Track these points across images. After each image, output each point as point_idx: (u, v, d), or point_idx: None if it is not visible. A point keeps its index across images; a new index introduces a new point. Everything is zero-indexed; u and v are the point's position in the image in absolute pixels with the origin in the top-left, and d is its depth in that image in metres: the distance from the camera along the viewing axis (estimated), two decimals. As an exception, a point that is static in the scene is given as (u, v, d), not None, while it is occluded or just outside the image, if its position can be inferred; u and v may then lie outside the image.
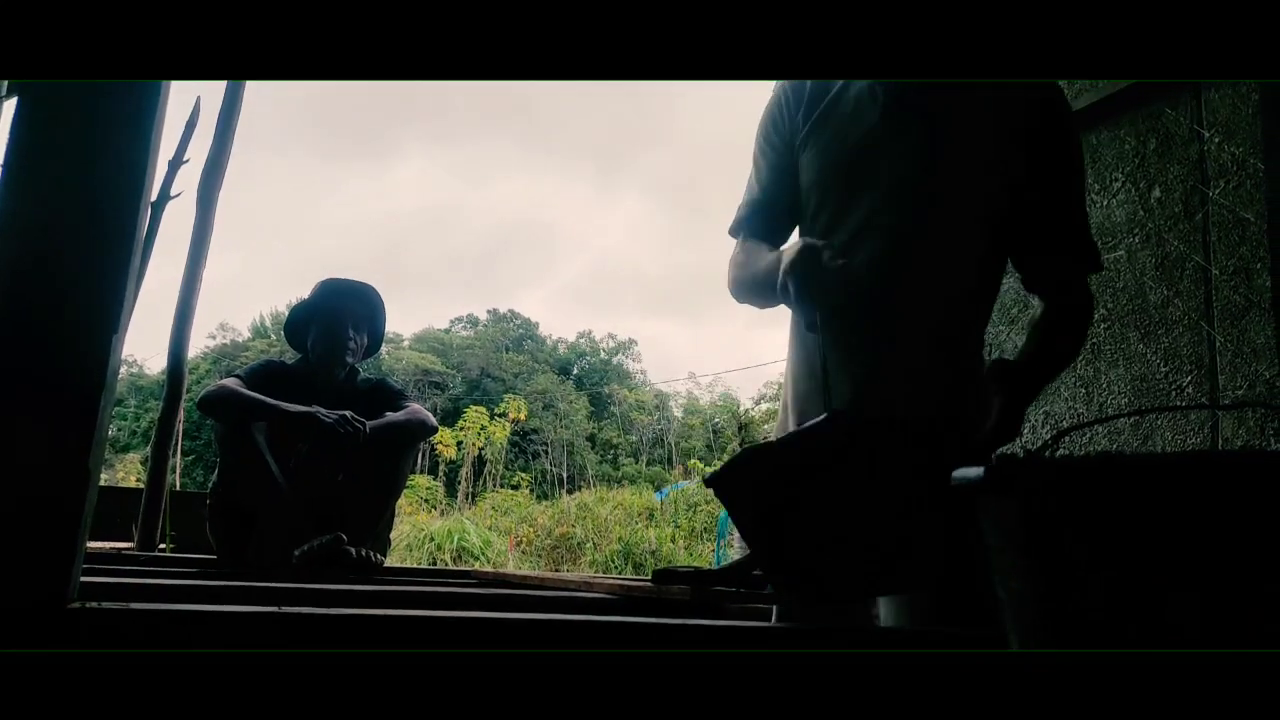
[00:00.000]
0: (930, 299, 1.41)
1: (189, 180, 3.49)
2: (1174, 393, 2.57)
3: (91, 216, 0.93)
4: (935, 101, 1.44)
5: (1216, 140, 2.54)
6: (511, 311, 43.69)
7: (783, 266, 1.28)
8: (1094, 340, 2.82)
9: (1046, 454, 0.87)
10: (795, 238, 1.52)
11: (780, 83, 1.60)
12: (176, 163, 3.22)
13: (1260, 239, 2.35)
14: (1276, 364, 1.97)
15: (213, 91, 3.33)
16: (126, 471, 18.99)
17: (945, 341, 1.43)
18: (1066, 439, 2.73)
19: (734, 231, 1.63)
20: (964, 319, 1.47)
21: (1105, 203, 2.82)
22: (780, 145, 1.56)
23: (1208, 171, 2.56)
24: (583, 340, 43.39)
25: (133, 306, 1.34)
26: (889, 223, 1.41)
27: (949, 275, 1.42)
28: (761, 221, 1.59)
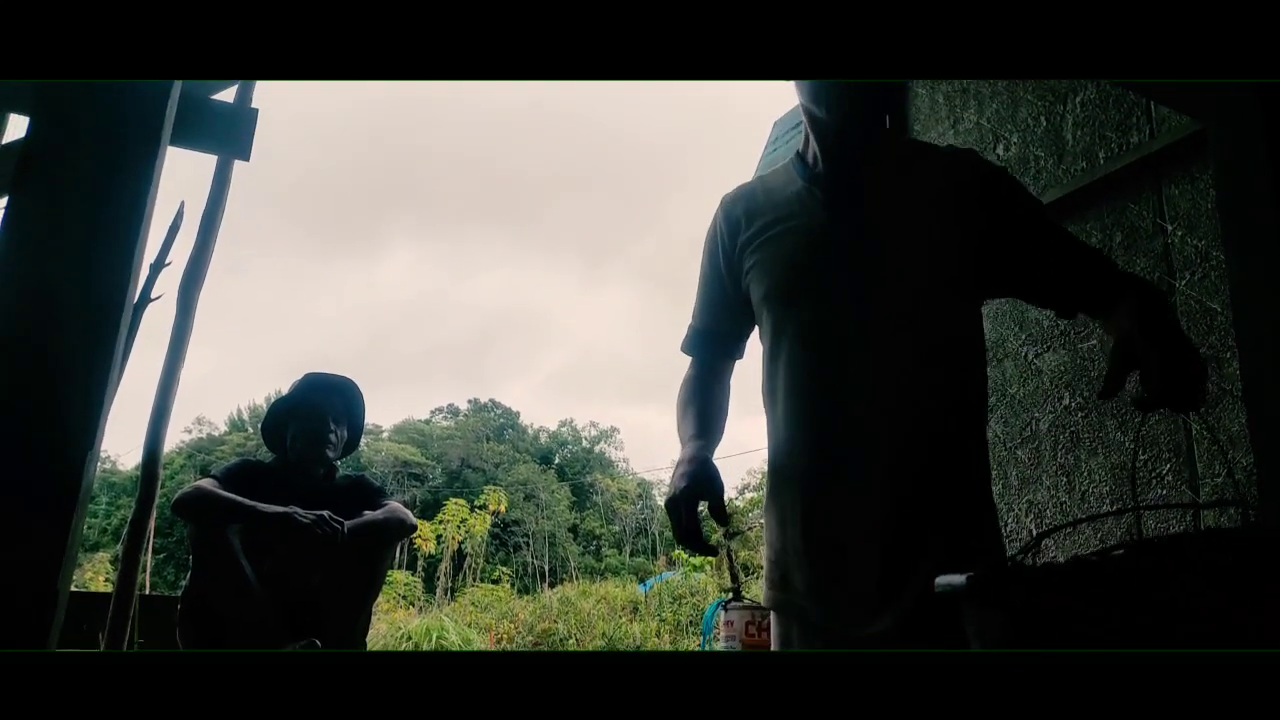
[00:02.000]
0: (912, 396, 1.35)
1: (170, 282, 3.51)
2: (1154, 480, 2.58)
3: (72, 330, 0.93)
4: (872, 184, 1.43)
5: (1179, 234, 2.61)
6: (492, 401, 43.56)
7: (668, 493, 1.37)
8: (1072, 429, 2.84)
9: (1028, 558, 0.86)
10: (690, 450, 1.44)
11: (717, 209, 1.61)
12: (158, 266, 3.24)
13: (1227, 328, 2.40)
14: (1251, 452, 1.99)
15: (197, 194, 3.37)
16: (95, 571, 18.46)
17: (936, 438, 1.35)
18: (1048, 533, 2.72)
19: (684, 349, 1.66)
20: (956, 411, 1.38)
21: (1075, 294, 2.87)
22: (716, 277, 1.58)
23: (1173, 263, 2.63)
24: (564, 429, 43.19)
25: (109, 412, 1.33)
26: (854, 325, 1.38)
27: (929, 370, 1.36)
28: (704, 346, 1.64)
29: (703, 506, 1.33)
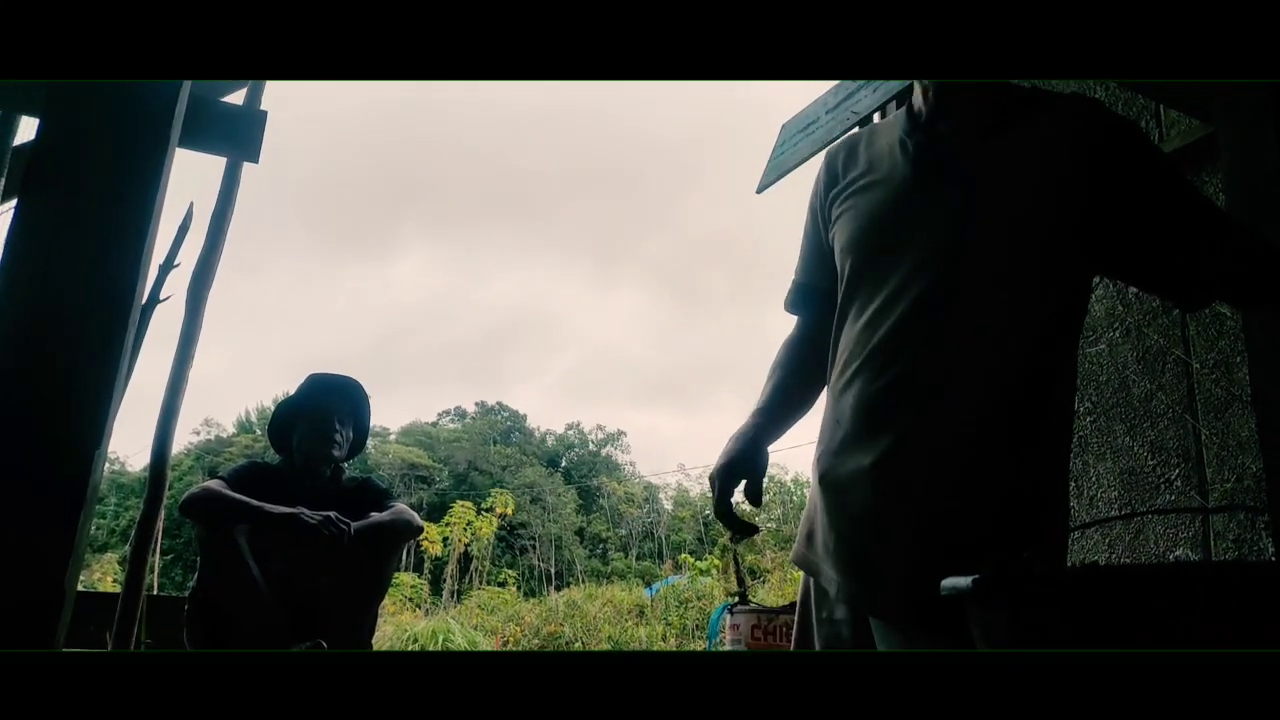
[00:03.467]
0: (967, 372, 1.22)
1: (179, 283, 3.52)
2: (1162, 486, 2.57)
3: (80, 331, 0.94)
4: (969, 147, 1.32)
5: (1188, 237, 2.60)
6: (500, 404, 43.62)
7: (713, 468, 1.38)
8: (1081, 434, 2.83)
9: (1033, 560, 0.86)
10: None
11: (823, 155, 1.56)
12: (167, 266, 3.26)
13: (1238, 333, 2.39)
14: (1261, 457, 1.98)
15: (207, 194, 3.39)
16: (103, 572, 18.53)
17: (986, 421, 1.20)
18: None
19: (785, 307, 1.59)
20: (1013, 395, 1.22)
21: (1084, 298, 2.87)
22: (814, 229, 1.52)
23: (1182, 267, 2.62)
24: (571, 432, 43.21)
25: (116, 413, 1.33)
26: (919, 290, 1.27)
27: (991, 347, 1.23)
28: (803, 303, 1.55)
29: (739, 494, 1.33)
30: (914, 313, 1.26)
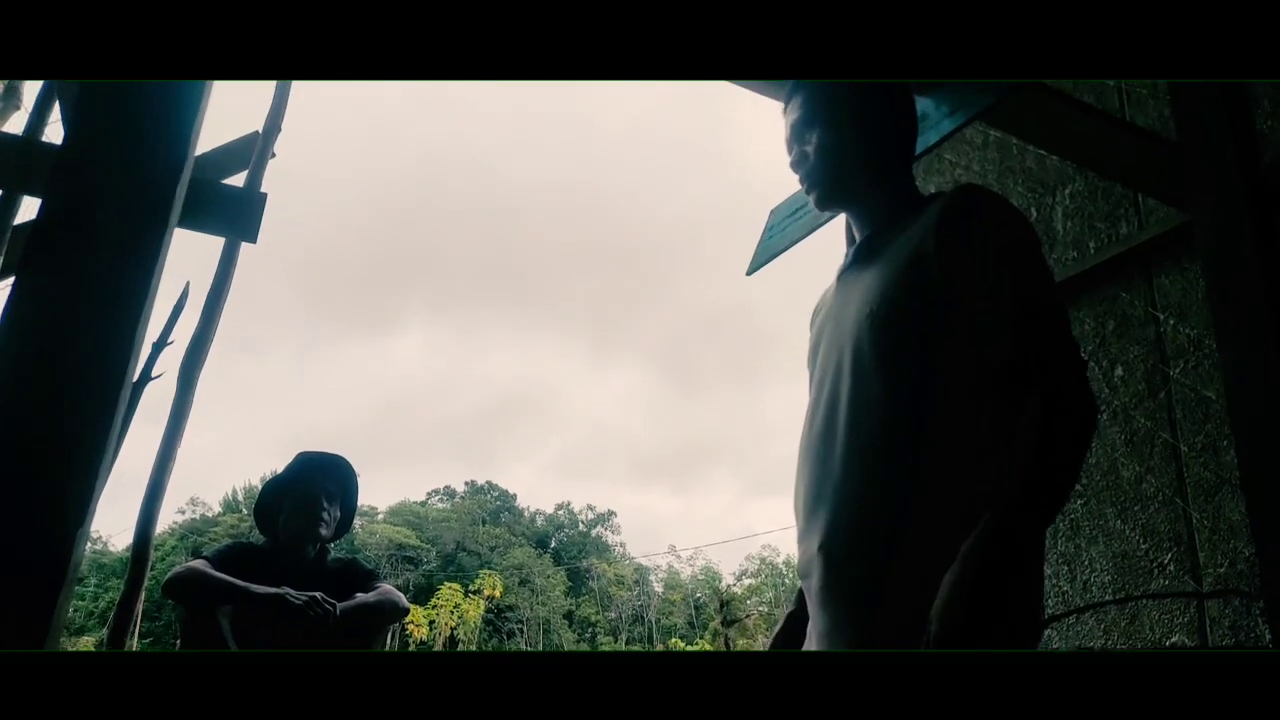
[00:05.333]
0: (852, 471, 1.25)
1: (173, 360, 3.53)
2: (1155, 570, 2.55)
3: (70, 409, 0.94)
4: (863, 254, 1.38)
5: (1171, 322, 2.64)
6: (490, 483, 43.21)
7: None
8: (1072, 517, 2.82)
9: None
10: None
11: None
12: (161, 344, 3.26)
13: (1223, 416, 2.41)
14: (1253, 542, 1.97)
15: (204, 272, 3.42)
16: (79, 655, 18.01)
17: (870, 516, 1.22)
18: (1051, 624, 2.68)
19: None
20: (895, 492, 1.21)
21: (1071, 380, 2.89)
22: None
23: (1166, 351, 2.65)
24: (561, 512, 42.73)
25: (102, 491, 1.32)
26: (813, 414, 1.36)
27: (845, 464, 1.26)
28: None
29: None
30: (816, 428, 1.33)
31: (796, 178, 1.47)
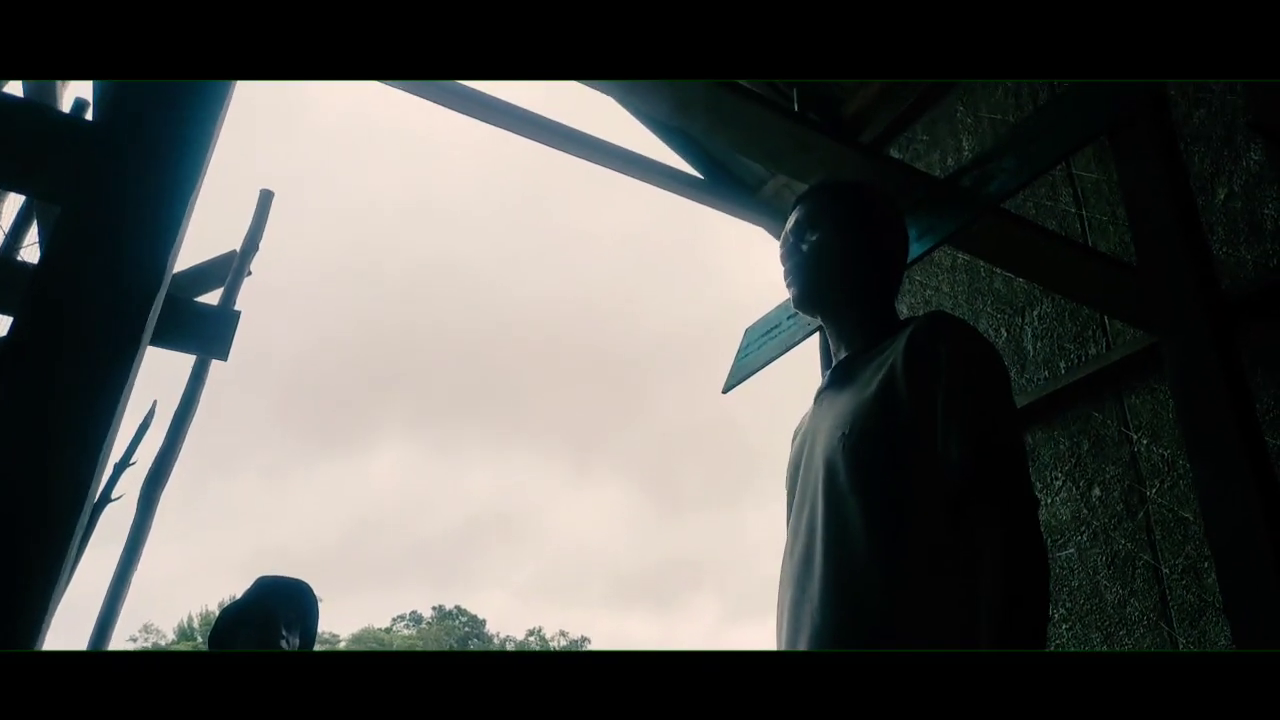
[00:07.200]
0: (832, 598, 1.23)
1: (134, 481, 3.43)
2: (1146, 698, 2.48)
3: (25, 532, 0.90)
4: (850, 374, 1.37)
5: (1145, 442, 2.66)
6: (458, 608, 41.93)
7: None
8: (1057, 642, 2.76)
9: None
10: None
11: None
12: (123, 465, 3.18)
13: (1201, 538, 2.40)
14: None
15: (171, 389, 3.37)
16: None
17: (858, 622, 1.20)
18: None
19: None
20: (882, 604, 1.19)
21: (1049, 500, 2.88)
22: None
23: (1141, 471, 2.65)
24: (532, 638, 41.38)
25: (52, 619, 1.26)
26: (794, 535, 1.35)
27: (854, 570, 1.23)
28: None
29: None
30: (797, 549, 1.32)
31: (782, 271, 1.48)
